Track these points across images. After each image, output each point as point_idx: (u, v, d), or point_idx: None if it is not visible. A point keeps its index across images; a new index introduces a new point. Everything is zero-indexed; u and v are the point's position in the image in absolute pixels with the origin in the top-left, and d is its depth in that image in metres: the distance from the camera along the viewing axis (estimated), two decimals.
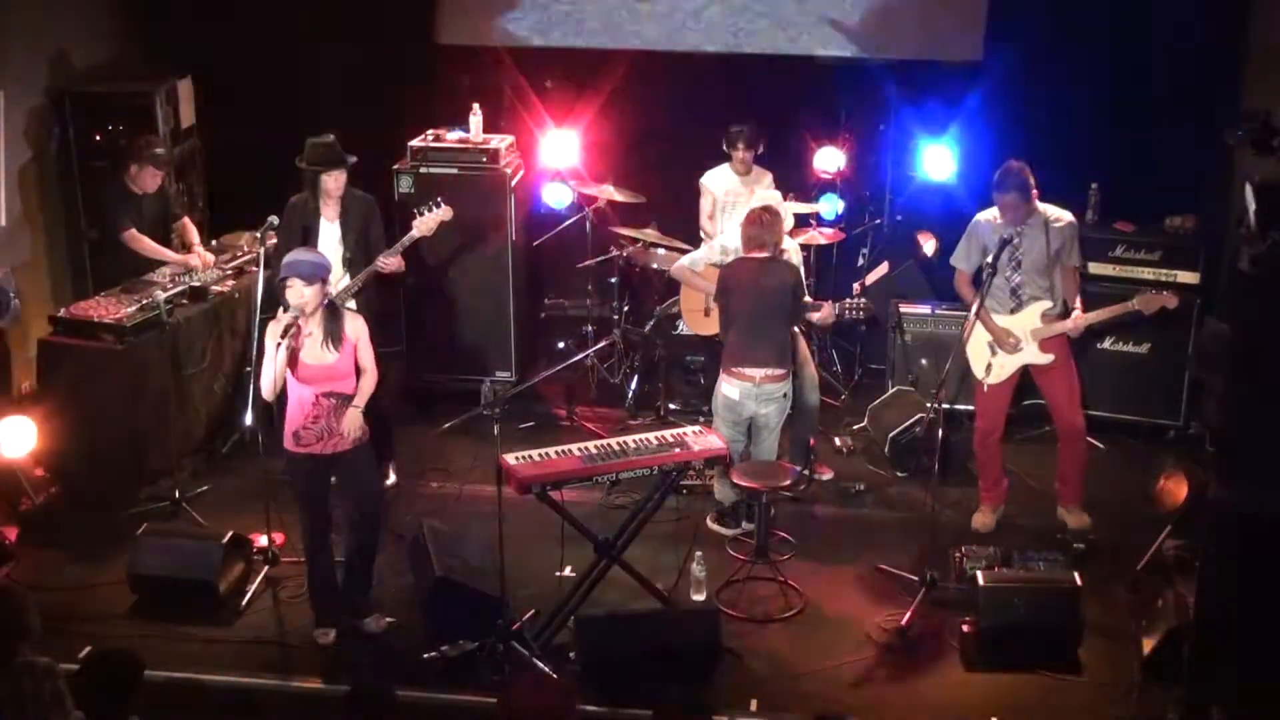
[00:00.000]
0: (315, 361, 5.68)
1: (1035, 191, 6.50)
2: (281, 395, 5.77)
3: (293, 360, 5.65)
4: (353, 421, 5.73)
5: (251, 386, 6.04)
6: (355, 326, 5.81)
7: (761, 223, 6.66)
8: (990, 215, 6.65)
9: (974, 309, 6.51)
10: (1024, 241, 6.55)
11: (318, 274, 5.62)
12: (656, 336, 8.20)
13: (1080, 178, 7.78)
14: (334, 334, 5.69)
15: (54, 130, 8.32)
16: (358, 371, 5.82)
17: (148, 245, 7.53)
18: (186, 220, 7.87)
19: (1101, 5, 8.42)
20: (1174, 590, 5.86)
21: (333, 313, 5.71)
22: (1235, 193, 7.36)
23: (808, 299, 7.19)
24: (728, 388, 6.65)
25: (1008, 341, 6.65)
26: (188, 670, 5.77)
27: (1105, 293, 7.56)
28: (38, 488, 6.80)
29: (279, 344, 5.59)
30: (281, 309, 5.72)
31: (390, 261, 6.66)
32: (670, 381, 8.24)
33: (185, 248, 7.72)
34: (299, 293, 5.57)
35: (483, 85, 8.87)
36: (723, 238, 7.45)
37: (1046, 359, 6.67)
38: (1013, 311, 6.67)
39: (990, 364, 6.71)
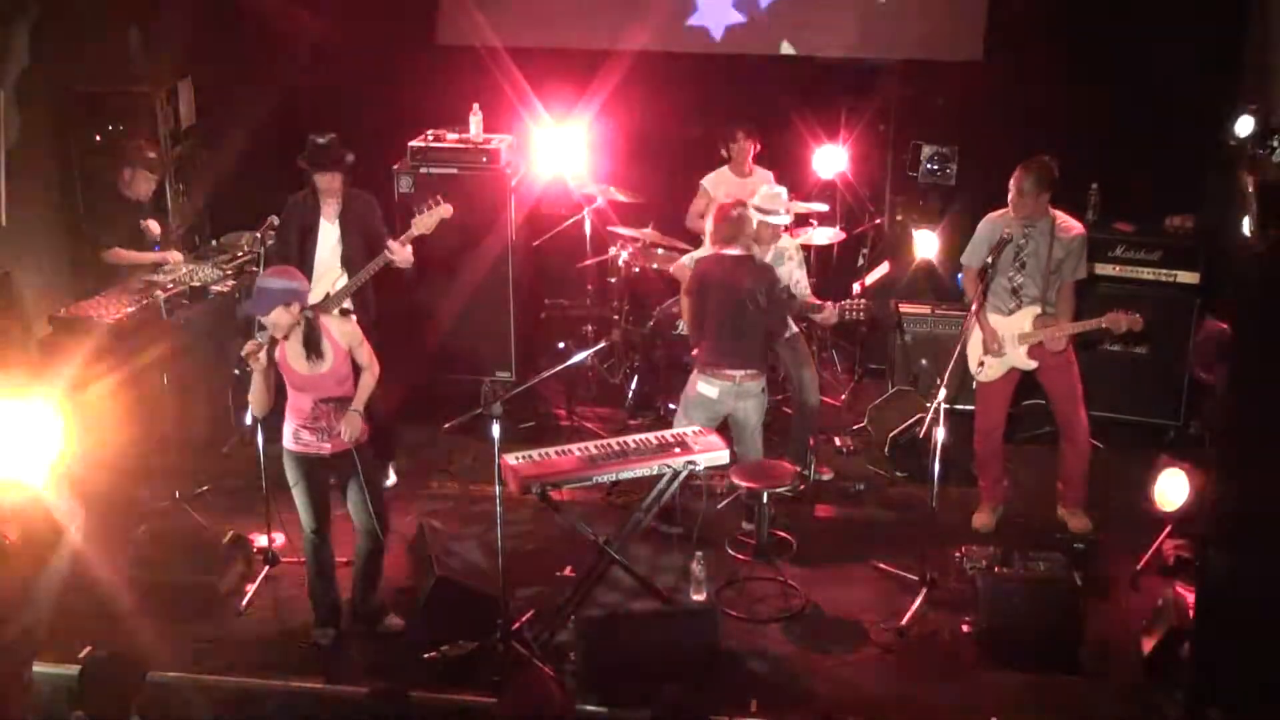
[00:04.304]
0: (305, 371, 5.67)
1: (1048, 193, 6.49)
2: (278, 393, 5.77)
3: (283, 369, 5.65)
4: (351, 424, 5.70)
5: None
6: (345, 331, 5.76)
7: (733, 218, 6.60)
8: (997, 215, 6.66)
9: (974, 306, 6.53)
10: (1029, 243, 6.55)
11: (274, 300, 5.51)
12: (656, 336, 8.20)
13: (1080, 178, 7.79)
14: (313, 344, 5.63)
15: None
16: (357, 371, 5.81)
17: (127, 257, 7.54)
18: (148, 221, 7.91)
19: (1101, 5, 8.42)
20: (1174, 590, 5.86)
21: (309, 326, 5.63)
22: (1235, 193, 7.37)
23: (812, 300, 7.19)
24: (705, 387, 6.61)
25: (992, 345, 6.66)
26: (188, 670, 5.77)
27: (1107, 293, 7.58)
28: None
29: (254, 365, 5.60)
30: (257, 329, 5.72)
31: (400, 251, 6.64)
32: (670, 381, 8.24)
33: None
34: (265, 320, 5.57)
35: (483, 85, 8.88)
36: None
37: (1031, 365, 6.68)
38: (1011, 312, 6.67)
39: (983, 361, 6.73)
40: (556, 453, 6.03)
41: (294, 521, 6.03)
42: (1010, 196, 6.53)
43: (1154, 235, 7.89)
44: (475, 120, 8.16)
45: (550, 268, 9.01)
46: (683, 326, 7.93)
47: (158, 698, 4.92)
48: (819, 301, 7.14)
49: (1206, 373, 7.57)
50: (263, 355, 5.58)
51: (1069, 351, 6.70)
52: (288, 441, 5.79)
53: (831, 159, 8.68)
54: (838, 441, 7.91)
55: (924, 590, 6.21)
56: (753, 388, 6.59)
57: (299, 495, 5.84)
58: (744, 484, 6.38)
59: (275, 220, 6.80)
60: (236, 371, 5.68)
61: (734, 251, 6.60)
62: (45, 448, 6.09)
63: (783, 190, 7.27)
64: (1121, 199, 8.05)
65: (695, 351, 6.75)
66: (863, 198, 9.12)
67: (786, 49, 9.10)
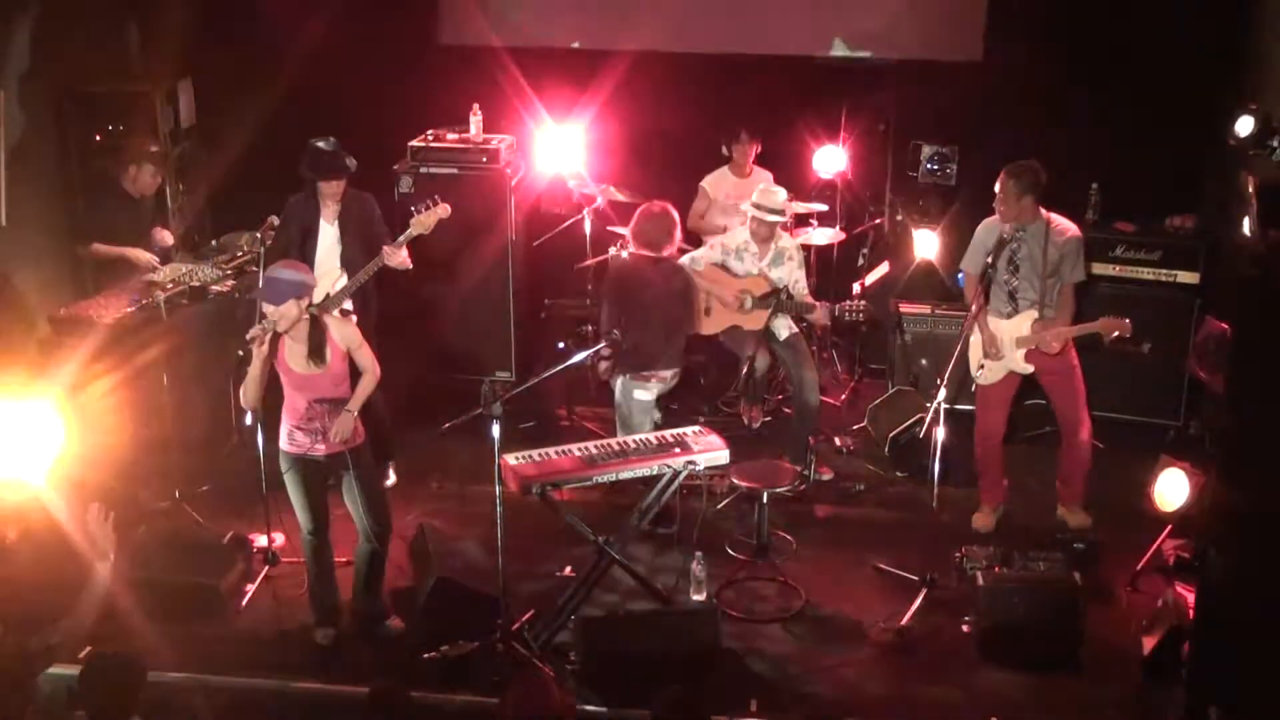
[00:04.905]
0: (303, 371, 5.67)
1: (1030, 197, 6.48)
2: (277, 393, 5.76)
3: (280, 368, 5.65)
4: (343, 425, 5.70)
5: None
6: (345, 333, 5.76)
7: (658, 221, 6.75)
8: (994, 219, 6.66)
9: (973, 310, 6.53)
10: (1022, 247, 6.55)
11: (290, 292, 5.53)
12: None
13: (1080, 178, 7.78)
14: (316, 347, 5.64)
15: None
16: (356, 374, 5.81)
17: (106, 252, 7.55)
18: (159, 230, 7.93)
19: (1101, 5, 8.42)
20: (1174, 590, 5.86)
21: (315, 324, 5.65)
22: (1235, 193, 7.36)
23: (808, 299, 7.20)
24: (641, 392, 6.76)
25: (990, 349, 6.66)
26: (188, 670, 5.77)
27: (1107, 294, 7.58)
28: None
29: (254, 348, 5.60)
30: (258, 318, 5.73)
31: (396, 254, 6.65)
32: None
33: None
34: (270, 311, 5.58)
35: (483, 85, 8.87)
36: (723, 237, 7.46)
37: (1028, 369, 6.68)
38: (1008, 316, 6.67)
39: (983, 364, 6.73)
40: (556, 453, 6.04)
41: (294, 521, 6.04)
42: (995, 201, 6.54)
43: (1154, 235, 7.90)
44: (475, 120, 8.16)
45: (550, 268, 9.01)
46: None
47: (158, 698, 4.91)
48: (812, 301, 7.16)
49: (1207, 373, 7.57)
50: (267, 342, 5.59)
51: (1070, 354, 6.70)
52: (283, 441, 5.79)
53: (831, 159, 8.68)
54: (838, 441, 7.91)
55: (924, 590, 6.21)
56: (673, 383, 6.87)
57: (294, 496, 5.84)
58: (744, 484, 6.38)
59: (275, 220, 6.80)
60: (240, 353, 5.69)
61: (656, 254, 6.75)
62: (46, 448, 6.11)
63: (781, 190, 7.28)
64: (1121, 199, 8.05)
65: (607, 350, 6.85)
66: (863, 198, 9.12)
67: (786, 49, 9.09)
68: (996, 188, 6.51)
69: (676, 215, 6.90)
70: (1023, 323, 6.63)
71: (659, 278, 6.74)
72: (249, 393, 5.71)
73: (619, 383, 6.85)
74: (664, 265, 6.80)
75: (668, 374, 6.76)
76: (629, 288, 6.78)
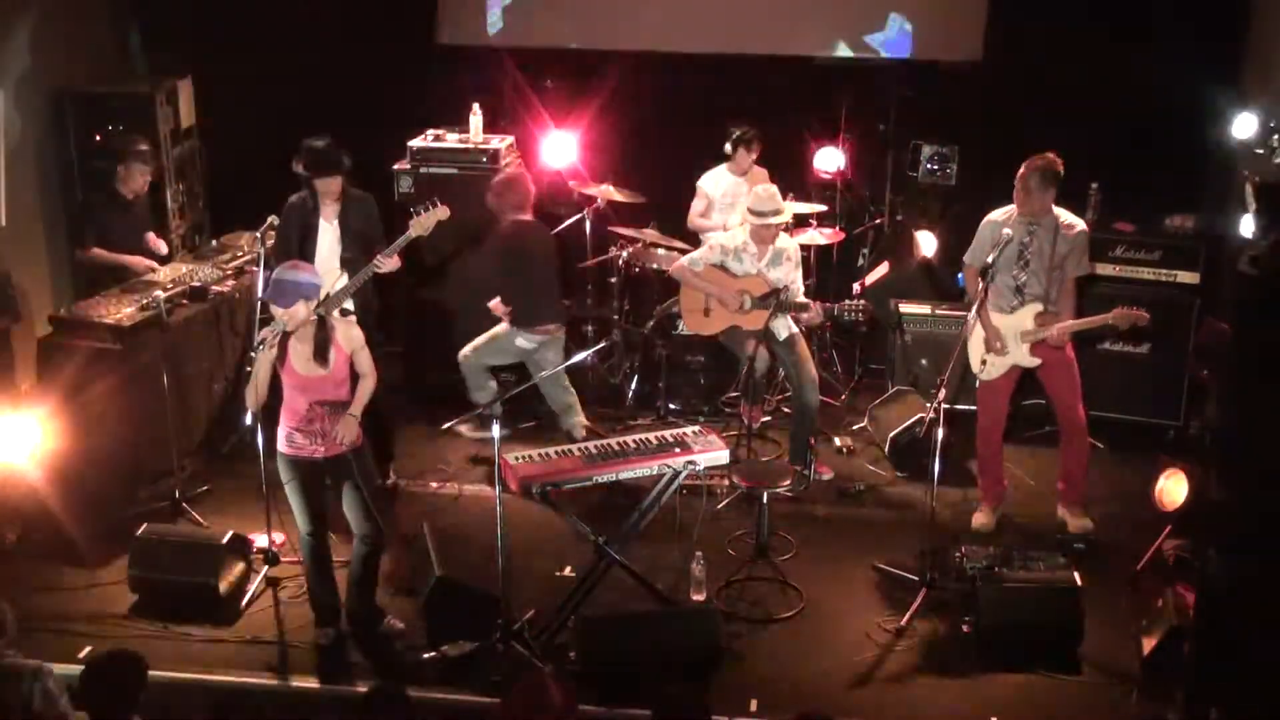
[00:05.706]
0: (306, 372, 5.66)
1: (1053, 191, 6.49)
2: (276, 395, 5.76)
3: (283, 369, 5.65)
4: (347, 428, 5.69)
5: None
6: (349, 335, 5.75)
7: (514, 183, 7.32)
8: (1000, 214, 6.66)
9: (975, 305, 6.53)
10: (1034, 241, 6.55)
11: (299, 294, 5.52)
12: (656, 336, 8.21)
13: (1080, 178, 7.78)
14: (322, 347, 5.63)
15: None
16: (355, 377, 5.81)
17: (108, 257, 7.55)
18: (151, 235, 7.93)
19: (1101, 5, 8.42)
20: (1174, 590, 5.86)
21: (321, 325, 5.64)
22: (1235, 193, 7.37)
23: (803, 299, 7.20)
24: (525, 341, 7.30)
25: (994, 343, 6.65)
26: (188, 670, 5.77)
27: (1106, 293, 7.57)
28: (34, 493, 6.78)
29: (262, 350, 5.60)
30: (258, 320, 5.73)
31: (387, 262, 6.65)
32: (670, 381, 8.25)
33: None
34: (279, 313, 5.57)
35: (483, 85, 8.88)
36: (722, 238, 7.45)
37: (1034, 362, 6.68)
38: (1013, 310, 6.67)
39: (985, 360, 6.73)
40: (556, 453, 6.03)
41: (294, 521, 6.03)
42: (1016, 193, 6.53)
43: (1154, 235, 7.90)
44: (475, 120, 8.16)
45: None
46: (683, 326, 7.95)
47: (158, 698, 4.91)
48: (805, 300, 7.16)
49: (1208, 373, 7.57)
50: (275, 344, 5.60)
51: (1069, 349, 6.70)
52: (281, 444, 5.78)
53: (831, 159, 8.68)
54: (838, 441, 7.91)
55: (924, 590, 6.21)
56: (562, 338, 7.48)
57: (293, 498, 5.83)
58: (744, 484, 6.37)
59: (275, 220, 6.80)
60: (253, 353, 5.72)
61: (528, 214, 7.30)
62: (40, 447, 6.12)
63: (774, 188, 7.27)
64: (1121, 199, 8.05)
65: (499, 307, 7.38)
66: (863, 198, 9.12)
67: (786, 49, 9.09)
68: (1018, 180, 6.50)
69: (526, 173, 7.57)
70: (1025, 317, 6.63)
71: (537, 238, 7.32)
72: (256, 394, 5.71)
73: (505, 327, 7.39)
74: (539, 226, 7.37)
75: (551, 327, 7.30)
76: (515, 248, 7.27)
